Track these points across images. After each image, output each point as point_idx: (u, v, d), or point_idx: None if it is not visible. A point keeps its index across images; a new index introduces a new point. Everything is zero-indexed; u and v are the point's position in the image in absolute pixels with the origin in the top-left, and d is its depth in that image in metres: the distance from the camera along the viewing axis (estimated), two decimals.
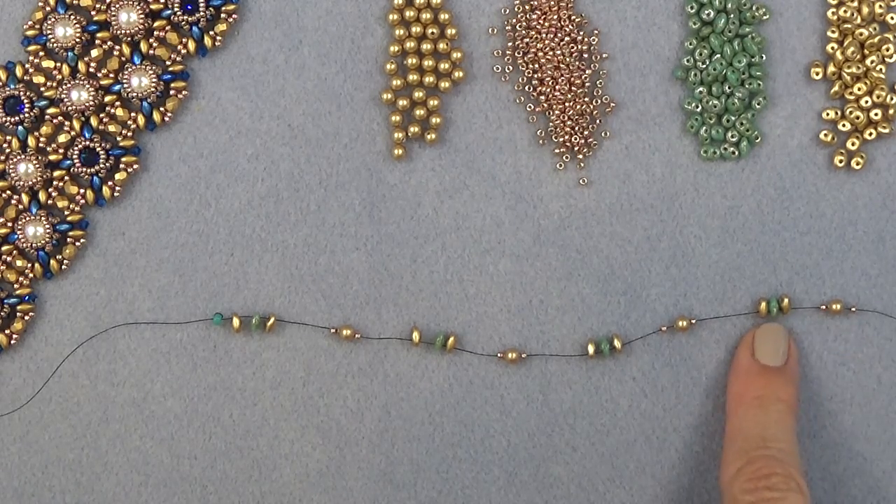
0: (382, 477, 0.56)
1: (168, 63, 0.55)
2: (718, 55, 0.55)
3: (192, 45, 0.55)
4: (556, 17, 0.55)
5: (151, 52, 0.54)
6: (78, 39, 0.54)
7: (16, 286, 0.55)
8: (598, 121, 0.55)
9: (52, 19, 0.54)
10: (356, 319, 0.56)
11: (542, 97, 0.55)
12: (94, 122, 0.54)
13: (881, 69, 0.55)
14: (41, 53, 0.54)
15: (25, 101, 0.54)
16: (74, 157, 0.54)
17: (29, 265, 0.55)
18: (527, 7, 0.55)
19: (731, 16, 0.55)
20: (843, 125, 0.55)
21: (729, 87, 0.55)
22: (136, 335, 0.56)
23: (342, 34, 0.55)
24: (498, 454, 0.56)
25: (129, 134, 0.55)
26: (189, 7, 0.54)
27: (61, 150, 0.54)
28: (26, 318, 0.55)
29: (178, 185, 0.55)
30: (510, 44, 0.55)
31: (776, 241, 0.56)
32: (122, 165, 0.55)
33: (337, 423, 0.56)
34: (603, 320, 0.56)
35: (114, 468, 0.56)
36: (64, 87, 0.54)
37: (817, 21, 0.56)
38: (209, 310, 0.56)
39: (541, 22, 0.55)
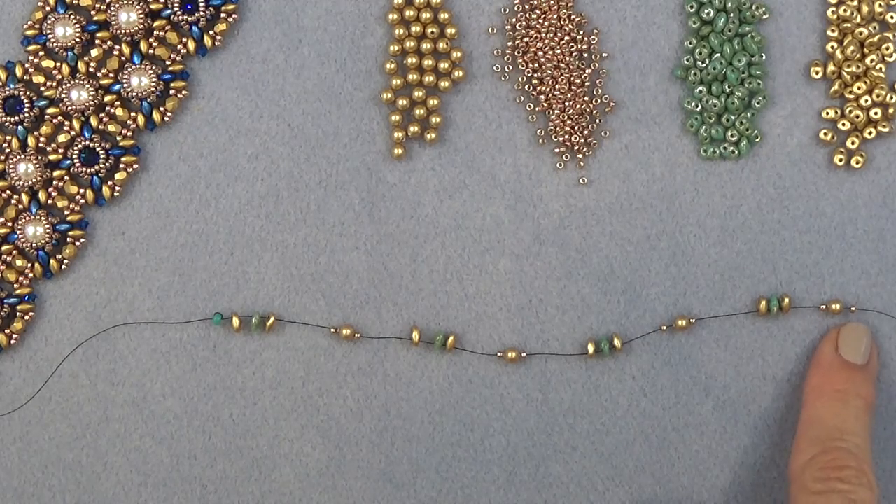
0: (382, 476, 0.56)
1: (168, 63, 0.55)
2: (718, 54, 0.55)
3: (191, 45, 0.55)
4: (555, 16, 0.55)
5: (151, 51, 0.55)
6: (78, 39, 0.54)
7: (16, 286, 0.55)
8: (597, 120, 0.55)
9: (52, 19, 0.54)
10: (356, 319, 0.56)
11: (542, 97, 0.55)
12: (93, 121, 0.54)
13: (881, 68, 0.55)
14: (41, 53, 0.54)
15: (25, 100, 0.54)
16: (74, 156, 0.54)
17: (29, 265, 0.55)
18: (527, 6, 0.55)
19: (731, 15, 0.55)
20: (843, 124, 0.55)
21: (729, 87, 0.55)
22: (136, 335, 0.56)
23: (342, 34, 0.55)
24: (498, 454, 0.56)
25: (129, 134, 0.55)
26: (189, 7, 0.54)
27: (61, 150, 0.55)
28: (26, 318, 0.55)
29: (178, 185, 0.55)
30: (510, 43, 0.55)
31: (776, 241, 0.56)
32: (121, 165, 0.55)
33: (337, 422, 0.56)
34: (603, 319, 0.56)
35: (114, 468, 0.56)
36: (64, 86, 0.54)
37: (817, 20, 0.56)
38: (209, 310, 0.56)
39: (540, 21, 0.55)
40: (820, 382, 0.54)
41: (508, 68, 0.55)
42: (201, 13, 0.54)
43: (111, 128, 0.55)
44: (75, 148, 0.54)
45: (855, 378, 0.54)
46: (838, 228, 0.56)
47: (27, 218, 0.54)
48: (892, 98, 0.55)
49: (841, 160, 0.55)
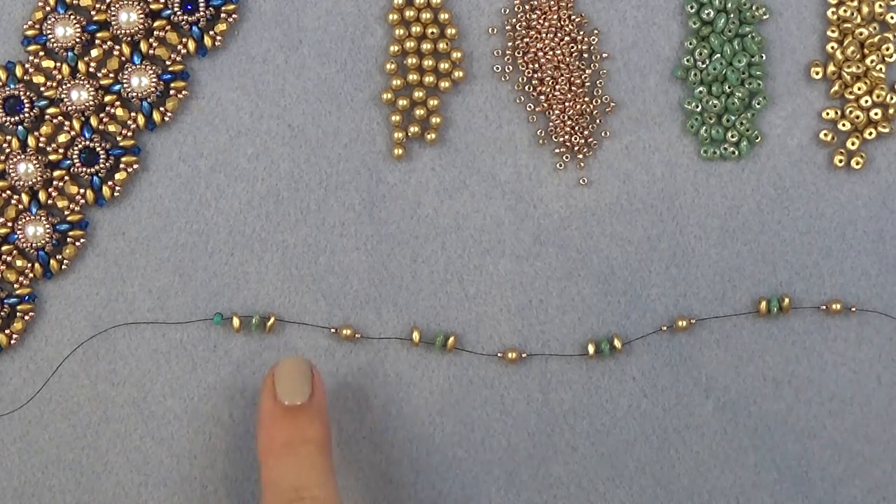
0: (382, 477, 0.56)
1: (168, 63, 0.55)
2: (718, 55, 0.55)
3: (192, 45, 0.55)
4: (556, 16, 0.55)
5: (151, 52, 0.54)
6: (78, 39, 0.54)
7: (16, 286, 0.55)
8: (598, 120, 0.55)
9: (52, 19, 0.54)
10: (356, 319, 0.56)
11: (542, 97, 0.55)
12: (94, 122, 0.54)
13: (881, 68, 0.55)
14: (41, 53, 0.54)
15: (25, 101, 0.54)
16: (74, 157, 0.54)
17: (29, 265, 0.55)
18: (527, 7, 0.55)
19: (731, 15, 0.55)
20: (843, 125, 0.55)
21: (729, 87, 0.55)
22: (136, 335, 0.56)
23: (342, 34, 0.55)
24: (498, 454, 0.56)
25: (129, 134, 0.55)
26: (189, 7, 0.54)
27: (61, 150, 0.54)
28: (26, 318, 0.55)
29: (178, 185, 0.55)
30: (510, 44, 0.55)
31: (776, 241, 0.56)
32: (122, 165, 0.55)
33: (337, 422, 0.56)
34: (603, 320, 0.56)
35: (114, 468, 0.56)
36: (64, 87, 0.54)
37: (817, 20, 0.56)
38: (209, 310, 0.56)
39: (541, 22, 0.55)
40: (266, 440, 0.50)
41: (508, 69, 0.55)
42: (201, 13, 0.54)
43: (111, 128, 0.55)
44: (75, 148, 0.54)
45: (298, 422, 0.50)
46: (838, 229, 0.56)
47: (27, 218, 0.54)
48: (892, 99, 0.55)
49: (841, 161, 0.55)
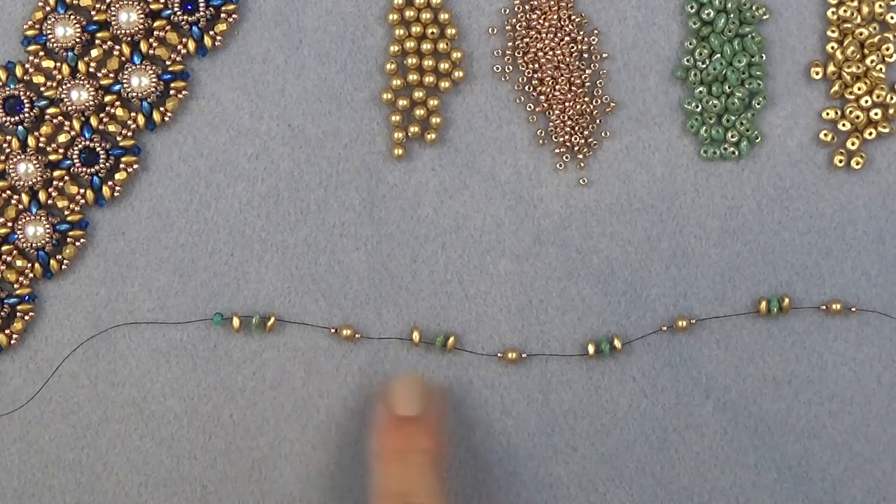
0: None
1: (168, 63, 0.55)
2: (718, 55, 0.55)
3: (192, 45, 0.55)
4: (556, 16, 0.55)
5: (151, 52, 0.54)
6: (78, 39, 0.54)
7: (16, 286, 0.55)
8: (598, 121, 0.55)
9: (52, 19, 0.54)
10: (356, 319, 0.56)
11: (542, 97, 0.55)
12: (94, 122, 0.54)
13: (881, 69, 0.55)
14: (41, 53, 0.54)
15: (25, 101, 0.54)
16: (74, 157, 0.54)
17: (29, 265, 0.55)
18: (527, 7, 0.55)
19: (731, 15, 0.55)
20: (843, 125, 0.55)
21: (729, 87, 0.55)
22: (136, 335, 0.56)
23: (342, 34, 0.55)
24: (498, 454, 0.56)
25: (129, 134, 0.55)
26: (189, 7, 0.54)
27: (61, 150, 0.54)
28: (26, 318, 0.55)
29: (178, 185, 0.55)
30: (510, 44, 0.55)
31: (776, 241, 0.56)
32: (122, 165, 0.55)
33: (337, 423, 0.56)
34: (603, 320, 0.56)
35: (114, 468, 0.56)
36: (64, 87, 0.54)
37: (817, 21, 0.56)
38: (209, 310, 0.56)
39: (541, 22, 0.55)
40: (379, 446, 0.52)
41: (508, 69, 0.55)
42: (201, 13, 0.54)
43: (111, 128, 0.55)
44: (75, 148, 0.54)
45: (411, 433, 0.52)
46: (838, 229, 0.56)
47: (27, 218, 0.54)
48: (892, 99, 0.55)
49: (841, 161, 0.55)
